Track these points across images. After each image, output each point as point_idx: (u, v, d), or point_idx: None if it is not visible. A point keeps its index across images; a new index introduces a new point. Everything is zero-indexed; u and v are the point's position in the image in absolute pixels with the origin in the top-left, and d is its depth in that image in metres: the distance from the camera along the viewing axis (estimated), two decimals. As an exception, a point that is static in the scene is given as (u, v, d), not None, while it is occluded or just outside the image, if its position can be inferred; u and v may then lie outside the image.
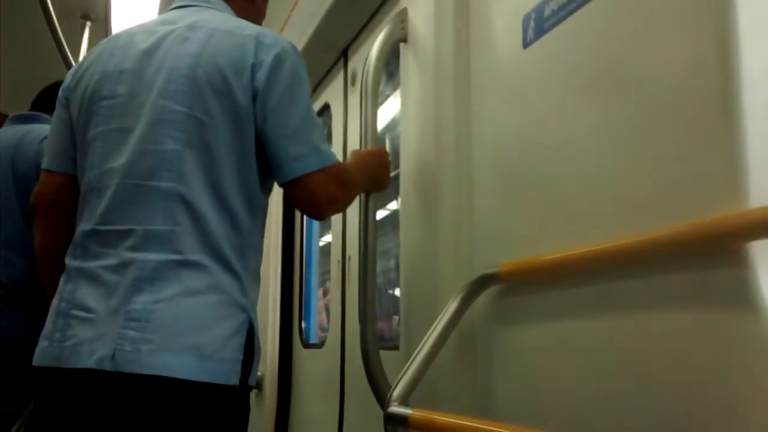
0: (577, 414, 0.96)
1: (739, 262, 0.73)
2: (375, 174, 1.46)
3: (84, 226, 1.22)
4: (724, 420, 0.74)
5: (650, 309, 0.85)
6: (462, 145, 1.33)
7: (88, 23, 3.57)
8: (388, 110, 2.30)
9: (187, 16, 1.29)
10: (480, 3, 1.34)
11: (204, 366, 1.10)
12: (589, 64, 1.00)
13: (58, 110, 1.35)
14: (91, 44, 3.32)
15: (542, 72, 1.12)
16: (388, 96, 2.24)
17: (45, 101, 2.16)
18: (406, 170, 1.54)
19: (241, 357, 1.15)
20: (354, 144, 2.11)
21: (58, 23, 2.73)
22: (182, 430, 1.10)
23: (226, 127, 1.19)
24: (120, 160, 1.20)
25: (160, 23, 1.29)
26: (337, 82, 2.35)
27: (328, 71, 2.42)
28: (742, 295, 0.73)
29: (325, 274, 2.85)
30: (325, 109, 2.47)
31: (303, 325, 2.68)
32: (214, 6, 1.35)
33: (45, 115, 2.10)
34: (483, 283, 1.16)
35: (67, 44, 2.73)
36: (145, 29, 1.29)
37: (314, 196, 1.22)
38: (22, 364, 1.85)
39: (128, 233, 1.16)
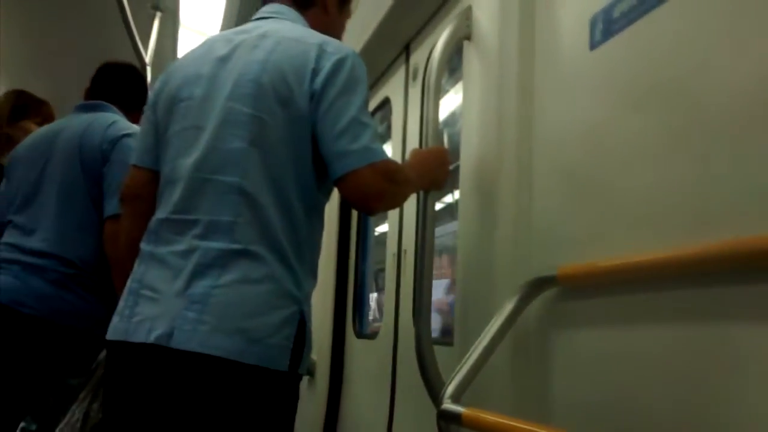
0: (629, 421, 0.95)
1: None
2: (433, 173, 1.47)
3: (159, 214, 1.33)
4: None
5: (710, 321, 0.83)
6: (523, 145, 1.32)
7: (158, 13, 3.68)
8: (448, 105, 2.30)
9: (261, 26, 1.39)
10: (546, 2, 1.32)
11: (253, 350, 1.18)
12: (657, 69, 0.98)
13: (147, 112, 1.47)
14: (160, 34, 3.44)
15: (608, 75, 1.10)
16: (447, 91, 2.24)
17: (103, 88, 2.25)
18: (465, 168, 1.54)
19: (290, 345, 1.23)
20: (413, 138, 2.12)
21: (130, 13, 2.83)
22: (229, 408, 1.18)
23: (286, 128, 1.28)
24: (193, 156, 1.30)
25: (237, 32, 1.40)
26: (398, 77, 2.36)
27: (390, 65, 2.43)
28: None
29: (379, 263, 2.88)
30: (386, 103, 2.49)
31: (356, 315, 2.72)
32: (288, 17, 1.44)
33: (109, 104, 2.21)
34: (540, 285, 1.16)
35: (138, 34, 2.81)
36: (224, 38, 1.40)
37: (362, 192, 1.26)
38: (90, 339, 1.96)
39: (195, 223, 1.26)
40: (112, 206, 1.97)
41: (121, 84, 2.30)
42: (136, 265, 1.33)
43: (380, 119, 2.78)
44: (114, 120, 2.12)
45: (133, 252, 1.36)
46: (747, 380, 0.78)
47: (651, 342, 0.94)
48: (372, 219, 2.92)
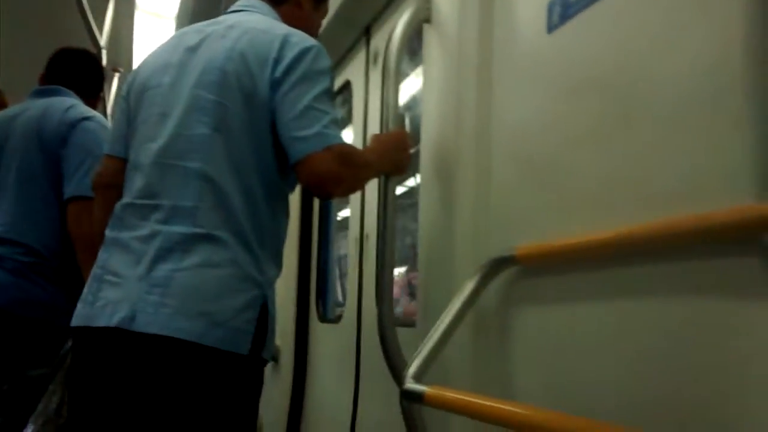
0: (588, 396, 0.98)
1: (751, 253, 0.74)
2: (394, 157, 1.48)
3: (124, 200, 1.36)
4: (736, 405, 0.76)
5: (662, 296, 0.86)
6: (482, 128, 1.33)
7: (113, -2, 3.59)
8: (409, 88, 2.30)
9: (232, 18, 1.43)
10: None
11: (214, 332, 1.20)
12: (612, 52, 1.00)
13: (120, 103, 1.50)
14: (116, 18, 3.35)
15: (565, 58, 1.12)
16: (408, 75, 2.24)
17: (59, 73, 2.22)
18: (426, 151, 1.55)
19: (252, 329, 1.25)
20: (374, 122, 2.12)
21: None
22: (190, 389, 1.21)
23: (248, 116, 1.30)
24: (158, 142, 1.32)
25: (208, 24, 1.44)
26: (358, 60, 2.35)
27: (350, 49, 2.42)
28: (756, 285, 0.74)
29: (343, 247, 2.89)
30: (347, 86, 2.48)
31: (319, 300, 2.73)
32: (260, 10, 1.48)
33: (65, 89, 2.19)
34: (499, 265, 1.18)
35: (93, 17, 2.74)
36: (195, 29, 1.45)
37: (318, 175, 1.27)
38: (50, 329, 1.93)
39: (158, 207, 1.28)
40: (71, 188, 1.95)
41: (77, 70, 2.27)
42: (100, 252, 1.35)
43: (341, 102, 2.78)
44: (72, 104, 2.10)
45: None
46: (692, 351, 0.81)
47: (605, 318, 0.96)
48: (335, 203, 2.92)
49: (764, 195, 0.74)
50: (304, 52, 1.32)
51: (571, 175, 1.07)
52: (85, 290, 1.32)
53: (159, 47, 1.49)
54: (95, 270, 1.33)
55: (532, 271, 1.15)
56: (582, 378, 1.00)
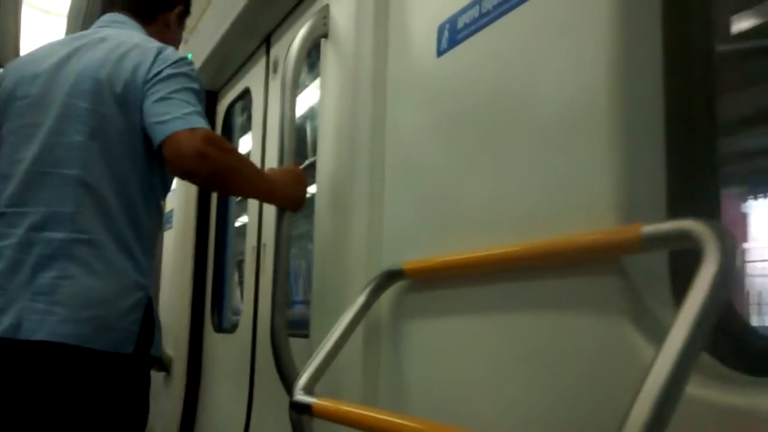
0: (469, 405, 1.04)
1: (611, 272, 0.81)
2: (288, 188, 1.48)
3: None
4: (604, 416, 0.83)
5: (532, 310, 0.93)
6: (376, 143, 1.37)
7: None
8: (311, 99, 2.32)
9: (102, 32, 1.47)
10: (399, 6, 1.38)
11: (100, 336, 1.26)
12: (492, 79, 1.06)
13: None
14: (1, 13, 3.12)
15: (452, 81, 1.17)
16: (307, 86, 2.26)
17: None
18: (322, 165, 1.58)
19: (137, 329, 1.31)
20: (273, 129, 2.12)
21: None
22: (79, 391, 1.25)
23: (123, 123, 1.35)
24: (31, 151, 1.33)
25: (77, 37, 1.46)
26: (258, 68, 2.35)
27: (250, 57, 2.41)
28: (613, 301, 0.81)
29: (240, 253, 2.86)
30: (246, 93, 2.47)
31: (215, 309, 2.69)
32: (128, 26, 1.53)
33: None
34: (388, 278, 1.21)
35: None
36: (64, 42, 1.47)
37: (180, 151, 1.28)
38: None
39: (30, 214, 1.30)
40: None
41: None
42: None
43: (240, 110, 2.75)
44: None
45: None
46: (562, 361, 0.88)
47: (484, 330, 1.02)
48: (232, 210, 2.89)
49: (624, 219, 0.81)
50: (176, 62, 1.39)
51: (455, 195, 1.12)
52: None
53: (24, 57, 1.51)
54: None
55: (418, 285, 1.20)
56: (463, 388, 1.06)
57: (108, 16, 1.55)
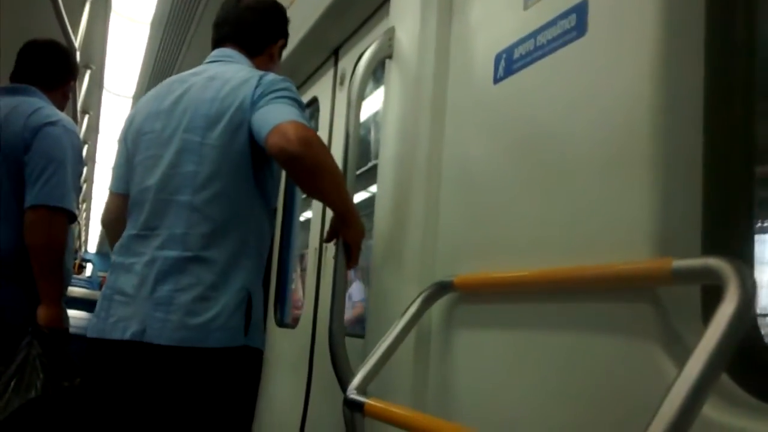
0: (509, 416, 1.11)
1: (645, 301, 0.88)
2: (359, 219, 1.59)
3: (129, 230, 1.60)
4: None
5: (573, 330, 1.00)
6: (434, 161, 1.45)
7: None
8: (376, 104, 2.42)
9: (211, 69, 1.65)
10: (461, 33, 1.46)
11: (211, 336, 1.44)
12: (543, 110, 1.13)
13: (120, 145, 1.75)
14: (91, 20, 3.38)
15: (507, 108, 1.25)
16: (374, 92, 2.37)
17: (25, 68, 2.24)
18: (383, 178, 1.67)
19: (242, 324, 1.49)
20: (339, 137, 2.23)
21: None
22: (196, 385, 1.45)
23: (229, 146, 1.52)
24: (155, 180, 1.55)
25: (191, 74, 1.65)
26: (326, 79, 2.46)
27: (319, 68, 2.53)
28: (648, 328, 0.87)
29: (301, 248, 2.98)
30: (314, 102, 2.58)
31: (277, 304, 2.82)
32: (236, 61, 1.69)
33: (32, 87, 2.19)
34: (440, 290, 1.30)
35: (68, 19, 2.79)
36: (180, 79, 1.66)
37: (287, 136, 1.40)
38: (7, 328, 1.97)
39: (156, 237, 1.51)
40: (31, 196, 1.98)
41: (42, 62, 2.25)
42: (108, 275, 1.61)
43: (309, 117, 2.87)
44: (38, 107, 2.10)
45: None
46: (598, 381, 0.94)
47: (527, 346, 1.09)
48: (297, 208, 3.01)
49: (659, 252, 0.87)
50: (275, 81, 1.56)
51: (505, 216, 1.20)
52: (97, 308, 1.57)
53: (149, 95, 1.72)
54: (105, 290, 1.57)
55: (467, 298, 1.28)
56: (504, 399, 1.13)
57: (218, 51, 1.74)
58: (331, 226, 1.61)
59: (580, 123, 1.04)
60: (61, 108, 2.30)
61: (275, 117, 1.44)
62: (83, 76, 4.23)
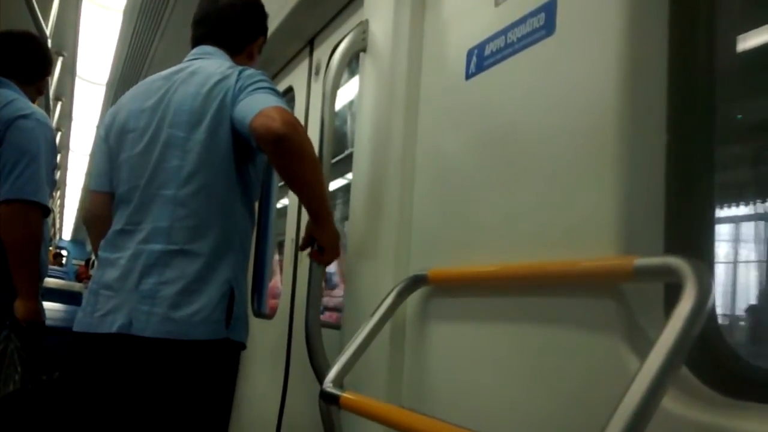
0: (479, 407, 1.14)
1: (610, 297, 0.90)
2: (334, 232, 1.61)
3: (115, 226, 1.62)
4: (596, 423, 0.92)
5: (539, 323, 1.02)
6: (407, 154, 1.47)
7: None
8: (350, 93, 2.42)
9: (192, 65, 1.68)
10: (433, 28, 1.47)
11: (195, 329, 1.47)
12: (513, 107, 1.15)
13: (99, 143, 1.75)
14: (62, 8, 3.31)
15: (478, 104, 1.26)
16: (348, 81, 2.37)
17: (2, 61, 2.22)
18: (357, 171, 1.67)
19: (224, 317, 1.52)
20: (314, 127, 2.23)
21: None
22: (182, 376, 1.48)
23: (211, 140, 1.54)
24: (143, 178, 1.56)
25: (173, 72, 1.67)
26: (301, 69, 2.46)
27: (294, 57, 2.52)
28: (611, 322, 0.90)
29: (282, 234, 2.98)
30: (289, 91, 2.58)
31: (254, 294, 2.82)
32: (215, 56, 1.71)
33: (6, 80, 2.18)
34: (414, 283, 1.32)
35: (39, 7, 2.74)
36: (162, 77, 1.69)
37: (272, 119, 1.41)
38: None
39: (142, 231, 1.53)
40: (6, 190, 1.97)
41: (16, 55, 2.25)
42: (95, 270, 1.64)
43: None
44: (10, 99, 2.09)
45: None
46: (563, 372, 0.97)
47: (494, 337, 1.12)
48: (273, 200, 3.01)
49: (623, 249, 0.90)
50: (254, 74, 1.60)
51: (477, 210, 1.22)
52: (84, 302, 1.60)
53: (130, 93, 1.73)
54: (92, 285, 1.59)
55: (440, 292, 1.30)
56: (475, 391, 1.16)
57: (198, 49, 1.74)
58: (306, 231, 1.62)
59: (548, 121, 1.06)
60: (33, 101, 2.27)
61: (259, 104, 1.47)
62: (55, 62, 4.17)
